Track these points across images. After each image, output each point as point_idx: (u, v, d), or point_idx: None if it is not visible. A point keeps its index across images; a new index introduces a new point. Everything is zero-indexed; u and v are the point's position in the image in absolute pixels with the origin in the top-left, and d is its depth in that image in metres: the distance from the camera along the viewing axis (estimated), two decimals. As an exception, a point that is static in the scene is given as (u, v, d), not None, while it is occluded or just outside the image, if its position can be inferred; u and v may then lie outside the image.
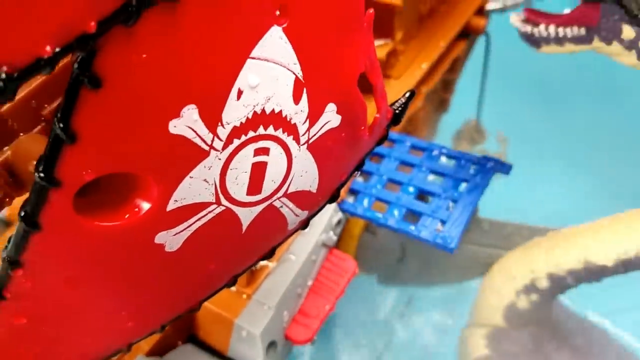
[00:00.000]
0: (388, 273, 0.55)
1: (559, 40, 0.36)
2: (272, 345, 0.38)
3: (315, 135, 0.26)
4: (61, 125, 0.19)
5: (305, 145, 0.26)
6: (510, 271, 0.43)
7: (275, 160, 0.25)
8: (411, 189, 0.44)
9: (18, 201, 0.30)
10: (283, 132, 0.24)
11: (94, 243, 0.23)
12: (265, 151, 0.24)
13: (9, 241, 0.22)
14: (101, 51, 0.18)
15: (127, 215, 0.23)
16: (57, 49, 0.17)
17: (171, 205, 0.23)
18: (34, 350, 0.27)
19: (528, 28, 0.38)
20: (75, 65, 0.18)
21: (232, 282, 0.30)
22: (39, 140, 0.29)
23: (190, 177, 0.23)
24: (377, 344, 0.60)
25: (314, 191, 0.28)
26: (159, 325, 0.30)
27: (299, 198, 0.27)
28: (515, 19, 0.39)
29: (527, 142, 0.81)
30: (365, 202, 0.44)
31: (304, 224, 0.30)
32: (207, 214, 0.24)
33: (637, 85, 0.87)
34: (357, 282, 0.57)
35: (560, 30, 0.36)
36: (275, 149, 0.25)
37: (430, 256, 0.52)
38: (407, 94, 0.31)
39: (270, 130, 0.24)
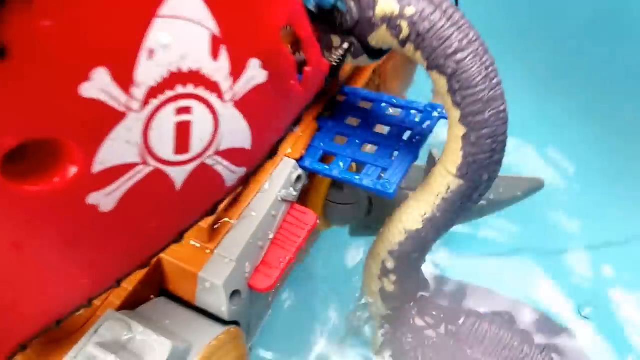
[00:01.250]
0: (358, 224, 0.57)
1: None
2: (235, 294, 0.40)
3: (240, 91, 0.26)
4: None
5: (231, 102, 0.26)
6: (368, 263, 0.47)
7: (200, 119, 0.25)
8: (357, 141, 0.44)
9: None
10: (204, 89, 0.25)
11: (29, 207, 0.24)
12: (187, 110, 0.25)
13: None
14: (4, 22, 0.18)
15: (56, 179, 0.24)
16: None
17: (96, 167, 0.24)
18: (-6, 311, 0.29)
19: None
20: None
21: (179, 237, 0.31)
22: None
23: (111, 139, 0.23)
24: (355, 286, 0.63)
25: (248, 148, 0.28)
26: (113, 281, 0.31)
27: (232, 155, 0.28)
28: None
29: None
30: (313, 155, 0.44)
31: (244, 180, 0.31)
32: (135, 174, 0.25)
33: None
34: (330, 234, 0.59)
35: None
36: (198, 107, 0.25)
37: (395, 207, 0.53)
38: (345, 45, 0.31)
39: (190, 89, 0.24)
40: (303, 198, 0.51)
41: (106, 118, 0.23)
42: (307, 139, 0.45)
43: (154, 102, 0.23)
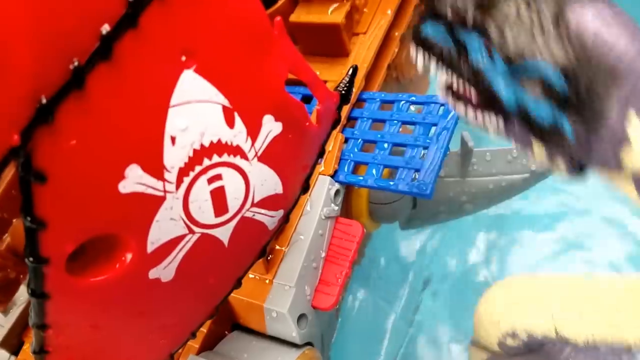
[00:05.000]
0: (407, 218, 0.57)
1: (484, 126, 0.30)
2: (302, 317, 0.42)
3: (261, 147, 0.28)
4: (28, 218, 0.22)
5: (255, 158, 0.28)
6: (493, 315, 0.42)
7: (231, 181, 0.27)
8: (386, 145, 0.45)
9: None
10: (228, 155, 0.26)
11: (99, 294, 0.26)
12: (217, 177, 0.26)
13: (30, 311, 0.26)
14: (35, 151, 0.20)
15: (117, 266, 0.26)
16: None
17: (150, 248, 0.26)
18: (90, 382, 0.32)
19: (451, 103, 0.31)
20: (20, 169, 0.21)
21: (238, 284, 0.33)
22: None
23: (157, 221, 0.25)
24: (412, 281, 0.64)
25: (281, 192, 0.30)
26: (188, 335, 0.34)
27: (268, 203, 0.30)
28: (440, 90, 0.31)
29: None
30: (346, 167, 0.45)
31: (285, 219, 0.32)
32: (186, 244, 0.27)
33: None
34: (382, 232, 0.60)
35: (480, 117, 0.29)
36: (227, 172, 0.27)
37: (440, 197, 0.54)
38: (350, 71, 0.32)
39: (216, 159, 0.26)
40: (347, 207, 0.52)
41: (148, 205, 0.25)
42: (337, 153, 0.46)
43: (187, 180, 0.25)
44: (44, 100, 0.20)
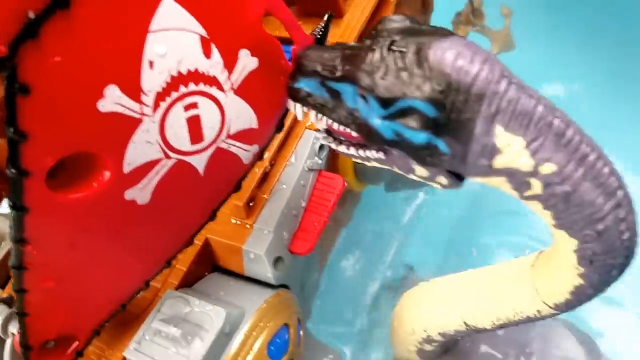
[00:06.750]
0: (392, 180, 0.59)
1: (366, 159, 0.32)
2: (278, 260, 0.44)
3: (237, 80, 0.29)
4: (11, 129, 0.23)
5: (232, 91, 0.29)
6: (407, 326, 0.45)
7: (207, 111, 0.29)
8: None
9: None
10: (204, 85, 0.28)
11: (77, 211, 0.28)
12: (193, 105, 0.28)
13: (10, 226, 0.28)
14: (21, 64, 0.22)
15: (94, 184, 0.28)
16: None
17: (127, 168, 0.28)
18: (68, 305, 0.34)
19: (334, 145, 0.32)
20: (5, 81, 0.22)
21: (213, 216, 0.35)
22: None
23: (134, 142, 0.27)
24: (397, 238, 0.66)
25: (256, 127, 0.32)
26: (164, 262, 0.36)
27: (243, 136, 0.31)
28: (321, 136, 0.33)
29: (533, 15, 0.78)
30: None
31: (259, 156, 0.34)
32: (162, 168, 0.29)
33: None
34: (367, 194, 0.61)
35: (361, 152, 0.31)
36: (202, 101, 0.28)
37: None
38: (326, 17, 0.33)
39: (192, 87, 0.27)
40: (333, 164, 0.54)
41: (125, 126, 0.26)
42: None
43: (164, 105, 0.27)
44: (31, 16, 0.21)
